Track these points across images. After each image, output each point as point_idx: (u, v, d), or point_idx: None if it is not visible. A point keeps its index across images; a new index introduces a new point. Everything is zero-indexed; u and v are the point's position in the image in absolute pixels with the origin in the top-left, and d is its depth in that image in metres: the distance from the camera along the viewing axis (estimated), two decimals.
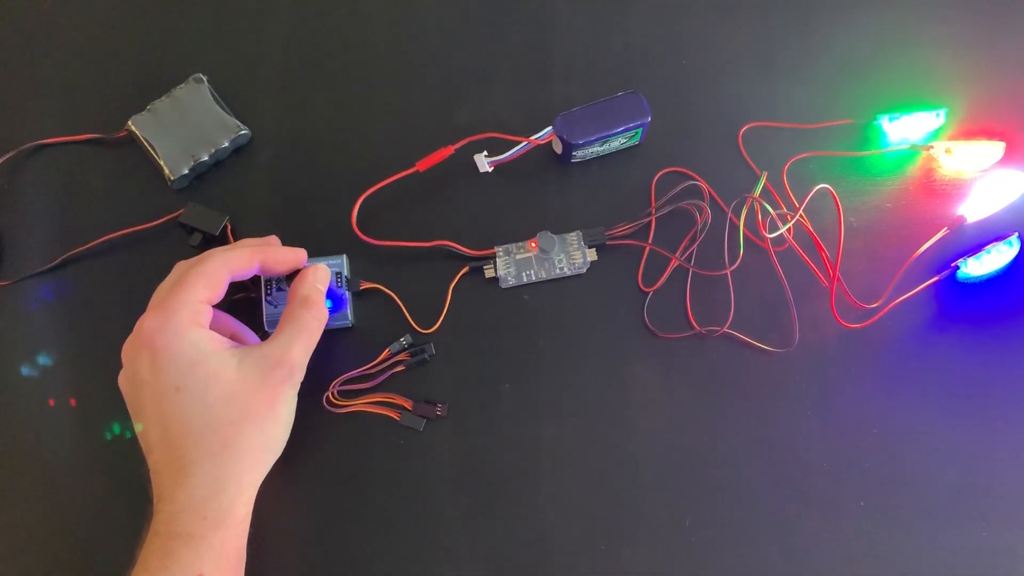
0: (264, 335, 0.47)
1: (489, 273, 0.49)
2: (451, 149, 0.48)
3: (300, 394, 0.47)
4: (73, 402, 0.47)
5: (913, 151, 0.52)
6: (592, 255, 0.49)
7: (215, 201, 0.50)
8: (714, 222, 0.50)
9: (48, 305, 0.49)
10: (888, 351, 0.49)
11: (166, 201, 0.50)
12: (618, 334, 0.49)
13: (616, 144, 0.51)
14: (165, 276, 0.49)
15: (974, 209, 0.50)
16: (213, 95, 0.51)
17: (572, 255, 0.49)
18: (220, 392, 0.39)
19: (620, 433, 0.47)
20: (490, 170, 0.50)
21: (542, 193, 0.52)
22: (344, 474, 0.46)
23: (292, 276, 0.46)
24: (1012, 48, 0.55)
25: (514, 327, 0.49)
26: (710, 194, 0.51)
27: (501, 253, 0.50)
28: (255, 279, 0.47)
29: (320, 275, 0.45)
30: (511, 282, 0.49)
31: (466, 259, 0.50)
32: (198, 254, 0.49)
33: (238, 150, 0.52)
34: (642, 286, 0.50)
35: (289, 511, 0.46)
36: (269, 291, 0.47)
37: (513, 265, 0.49)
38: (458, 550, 0.45)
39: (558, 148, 0.51)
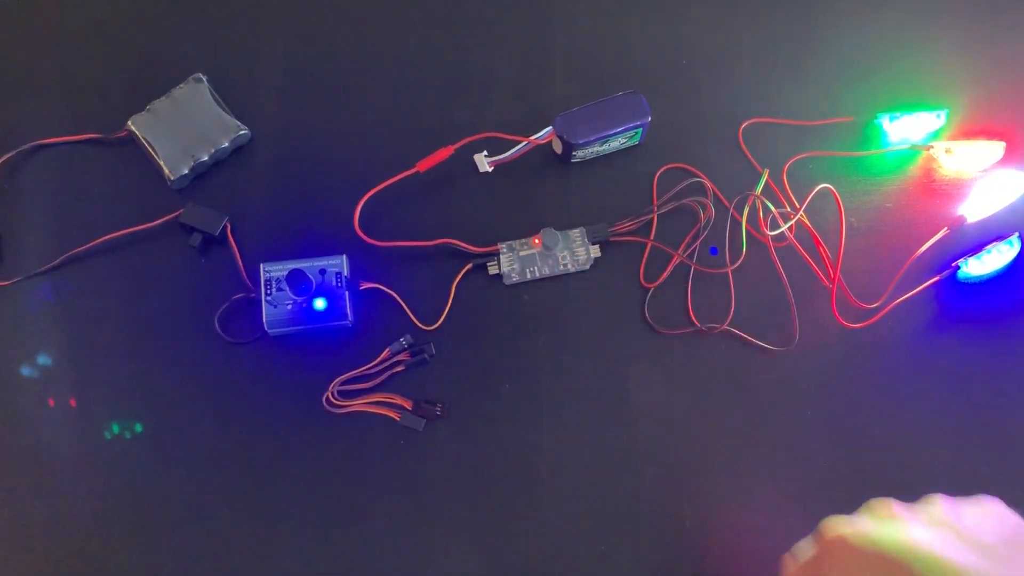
0: (264, 335, 0.47)
1: (493, 270, 0.49)
2: (451, 149, 0.48)
3: (298, 394, 0.47)
4: (73, 402, 0.47)
5: (913, 151, 0.52)
6: (596, 251, 0.49)
7: (215, 201, 0.49)
8: (715, 219, 0.50)
9: (48, 305, 0.49)
10: (888, 351, 0.49)
11: (166, 201, 0.50)
12: (618, 330, 0.49)
13: (616, 144, 0.51)
14: (165, 276, 0.49)
15: (974, 209, 0.50)
16: (213, 95, 0.51)
17: (576, 252, 0.49)
18: None
19: (620, 432, 0.47)
20: (490, 170, 0.50)
21: (542, 193, 0.52)
22: (344, 474, 0.46)
23: (292, 277, 0.46)
24: (1012, 48, 0.55)
25: (515, 325, 0.49)
26: (713, 191, 0.51)
27: (505, 250, 0.49)
28: (255, 280, 0.47)
29: None
30: (515, 279, 0.49)
31: (470, 256, 0.49)
32: (199, 254, 0.49)
33: (238, 150, 0.52)
34: (643, 282, 0.50)
35: (289, 511, 0.46)
36: (269, 291, 0.47)
37: (517, 261, 0.49)
38: (458, 550, 0.45)
39: (558, 148, 0.51)
